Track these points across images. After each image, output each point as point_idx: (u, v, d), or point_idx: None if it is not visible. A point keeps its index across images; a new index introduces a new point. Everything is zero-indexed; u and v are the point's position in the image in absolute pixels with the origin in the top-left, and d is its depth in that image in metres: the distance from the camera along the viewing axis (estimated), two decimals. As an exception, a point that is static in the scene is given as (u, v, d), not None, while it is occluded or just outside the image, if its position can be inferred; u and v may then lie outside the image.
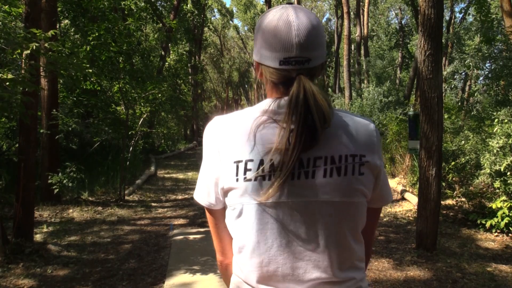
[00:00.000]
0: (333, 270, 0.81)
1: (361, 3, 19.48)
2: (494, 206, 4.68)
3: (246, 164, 0.79)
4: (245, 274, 0.85)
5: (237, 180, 0.80)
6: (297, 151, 0.76)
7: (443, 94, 5.72)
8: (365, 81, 17.99)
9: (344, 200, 0.81)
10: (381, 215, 5.82)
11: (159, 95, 7.89)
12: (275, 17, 0.83)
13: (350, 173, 0.81)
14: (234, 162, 0.81)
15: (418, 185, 4.51)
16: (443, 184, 5.70)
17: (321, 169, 0.80)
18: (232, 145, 0.82)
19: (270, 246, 0.80)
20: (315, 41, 0.82)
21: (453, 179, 5.88)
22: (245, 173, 0.79)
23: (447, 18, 18.10)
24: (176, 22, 11.45)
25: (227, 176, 0.82)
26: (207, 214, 0.93)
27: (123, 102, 7.48)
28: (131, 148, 8.04)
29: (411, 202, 6.23)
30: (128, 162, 7.73)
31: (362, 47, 19.03)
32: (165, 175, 10.71)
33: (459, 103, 9.93)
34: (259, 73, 0.89)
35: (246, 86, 49.78)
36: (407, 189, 6.96)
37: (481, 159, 4.96)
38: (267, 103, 0.84)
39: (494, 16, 10.71)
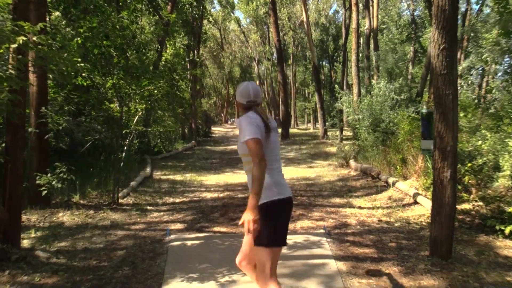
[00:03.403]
0: (280, 166, 2.66)
1: (370, -6, 19.43)
2: (513, 211, 4.64)
3: (261, 128, 2.46)
4: (269, 165, 2.46)
5: (261, 130, 2.45)
6: (268, 126, 2.53)
7: (459, 91, 5.70)
8: (375, 77, 17.95)
9: (278, 139, 2.72)
10: (392, 220, 5.81)
11: (155, 91, 7.88)
12: (244, 86, 2.59)
13: (277, 129, 2.69)
14: (258, 126, 2.45)
15: (432, 188, 4.48)
16: (459, 187, 5.67)
17: (275, 131, 2.62)
18: (257, 122, 2.46)
19: (275, 154, 2.61)
20: (259, 94, 2.58)
21: (470, 181, 5.84)
22: (262, 129, 2.46)
23: (463, 9, 18.06)
24: (175, 15, 11.43)
25: (260, 129, 2.45)
26: (256, 142, 2.38)
27: (117, 99, 7.48)
28: (125, 148, 8.04)
29: (424, 206, 6.21)
30: (122, 163, 7.73)
31: (372, 41, 18.97)
32: (162, 177, 10.72)
33: (476, 101, 9.91)
34: (238, 105, 2.63)
35: (248, 82, 49.77)
36: (420, 192, 6.92)
37: (501, 161, 4.93)
38: (254, 112, 2.55)
39: (513, 7, 10.63)
